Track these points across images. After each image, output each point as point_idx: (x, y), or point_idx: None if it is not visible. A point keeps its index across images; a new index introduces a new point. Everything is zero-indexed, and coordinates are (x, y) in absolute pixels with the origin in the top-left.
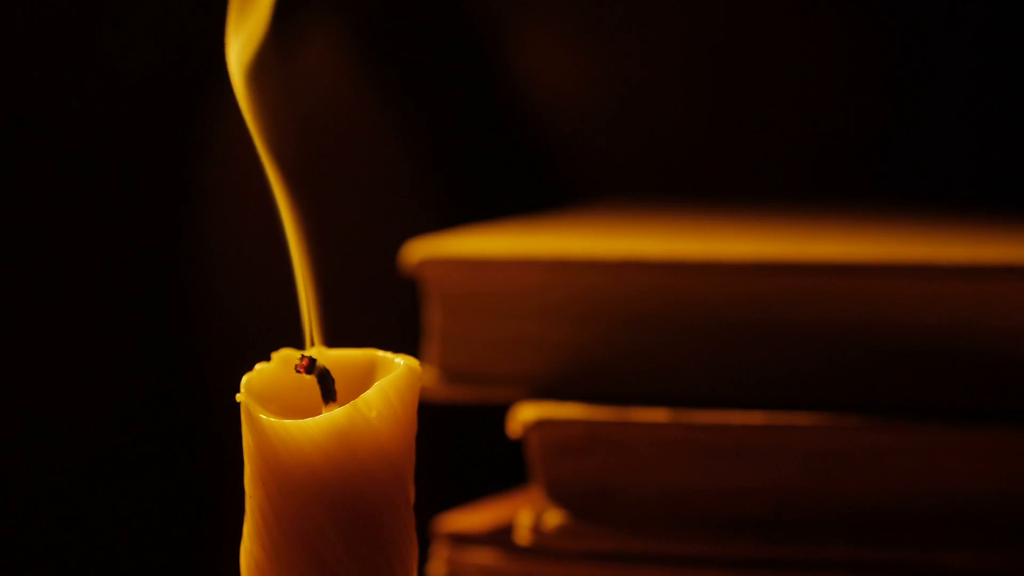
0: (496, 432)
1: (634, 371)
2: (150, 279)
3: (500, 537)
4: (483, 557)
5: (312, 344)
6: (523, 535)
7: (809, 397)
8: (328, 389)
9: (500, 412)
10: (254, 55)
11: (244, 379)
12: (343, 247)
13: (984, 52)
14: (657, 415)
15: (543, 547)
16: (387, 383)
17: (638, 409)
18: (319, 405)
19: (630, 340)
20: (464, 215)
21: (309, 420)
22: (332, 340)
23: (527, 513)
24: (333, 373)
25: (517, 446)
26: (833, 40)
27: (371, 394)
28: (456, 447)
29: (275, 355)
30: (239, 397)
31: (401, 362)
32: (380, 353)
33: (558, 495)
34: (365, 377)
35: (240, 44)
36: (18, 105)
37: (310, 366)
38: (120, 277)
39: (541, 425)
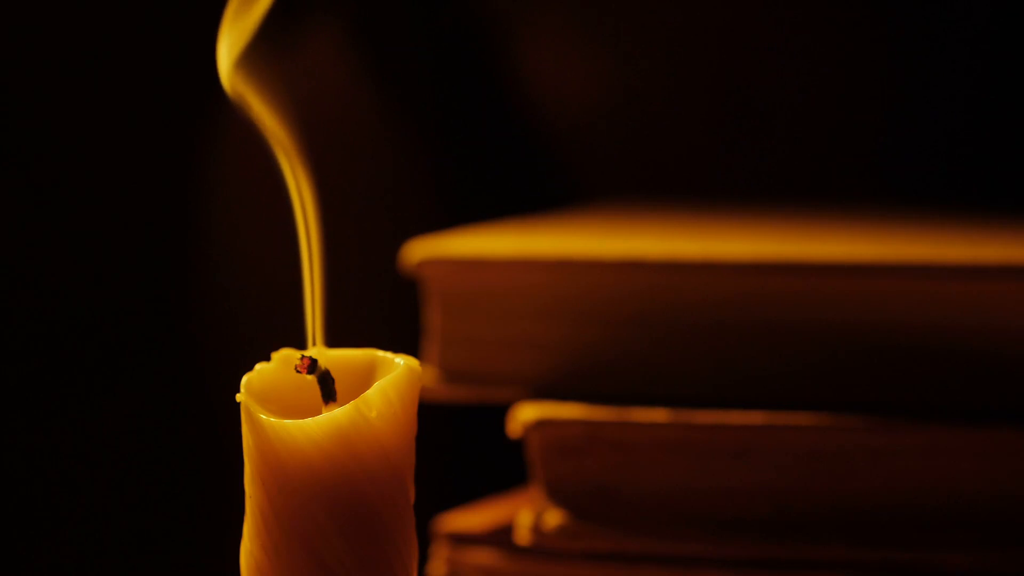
0: (496, 432)
1: (634, 371)
2: (151, 279)
3: (500, 537)
4: (483, 557)
5: (312, 344)
6: (523, 535)
7: (809, 397)
8: (328, 389)
9: (500, 412)
10: (246, 52)
11: (244, 379)
12: (343, 247)
13: (983, 52)
14: (657, 415)
15: (543, 547)
16: (387, 383)
17: (638, 409)
18: (319, 405)
19: (630, 340)
20: (464, 215)
21: (309, 420)
22: (332, 340)
23: (527, 513)
24: (333, 373)
25: (517, 446)
26: (833, 40)
27: (371, 394)
28: (456, 447)
29: (275, 355)
30: (239, 397)
31: (401, 362)
32: (380, 353)
33: (558, 495)
34: (365, 377)
35: (231, 41)
36: (21, 102)
37: (310, 366)
38: (121, 277)
39: (541, 425)
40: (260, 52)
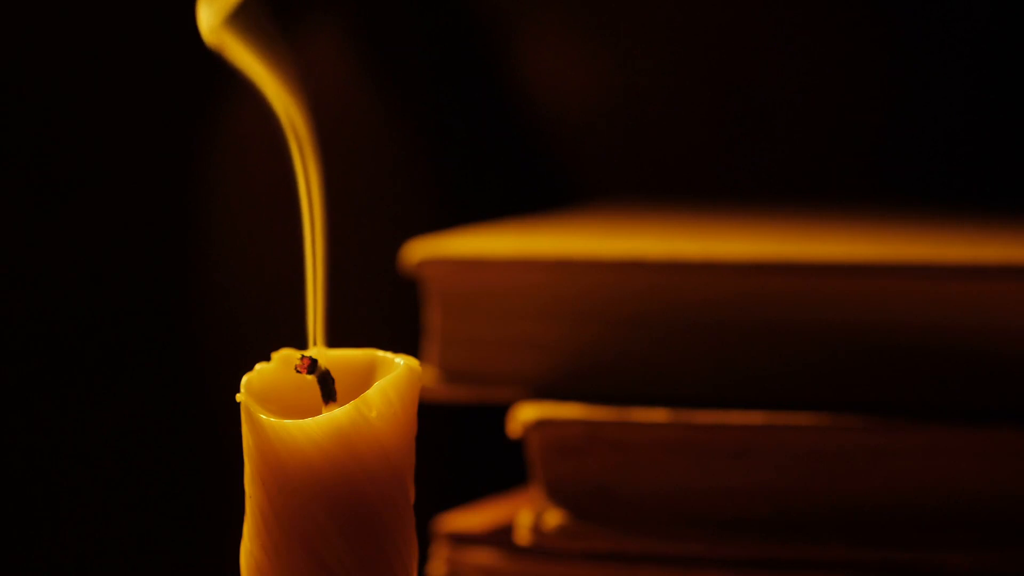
0: (496, 432)
1: (634, 371)
2: (151, 279)
3: (500, 537)
4: (483, 557)
5: (312, 344)
6: (523, 535)
7: (809, 397)
8: (328, 389)
9: (500, 412)
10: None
11: (244, 379)
12: (344, 247)
13: (983, 52)
14: (657, 415)
15: (543, 547)
16: (387, 383)
17: (638, 409)
18: (319, 405)
19: (630, 340)
20: (464, 215)
21: (309, 420)
22: (332, 340)
23: (527, 513)
24: (333, 373)
25: (517, 446)
26: (833, 40)
27: (371, 394)
28: (456, 447)
29: (275, 355)
30: (239, 397)
31: (401, 362)
32: (380, 353)
33: (558, 495)
34: (365, 377)
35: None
36: (21, 102)
37: (311, 366)
38: (121, 277)
39: (541, 425)
40: (258, 49)
